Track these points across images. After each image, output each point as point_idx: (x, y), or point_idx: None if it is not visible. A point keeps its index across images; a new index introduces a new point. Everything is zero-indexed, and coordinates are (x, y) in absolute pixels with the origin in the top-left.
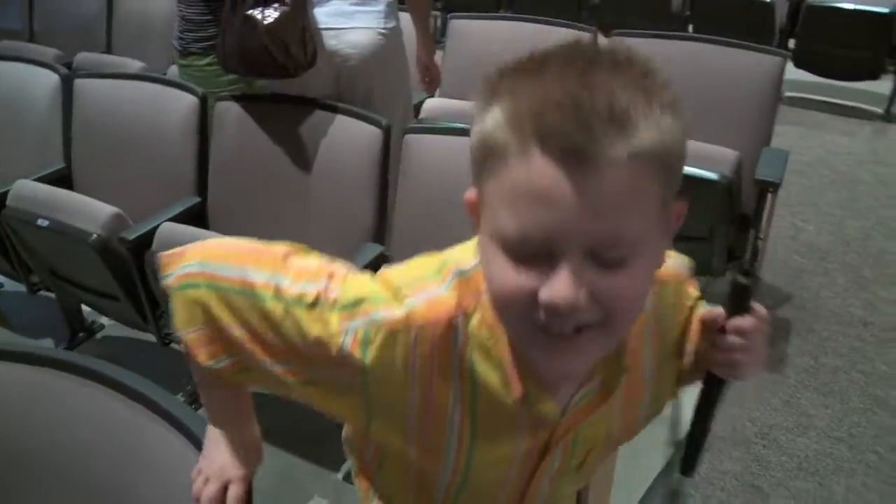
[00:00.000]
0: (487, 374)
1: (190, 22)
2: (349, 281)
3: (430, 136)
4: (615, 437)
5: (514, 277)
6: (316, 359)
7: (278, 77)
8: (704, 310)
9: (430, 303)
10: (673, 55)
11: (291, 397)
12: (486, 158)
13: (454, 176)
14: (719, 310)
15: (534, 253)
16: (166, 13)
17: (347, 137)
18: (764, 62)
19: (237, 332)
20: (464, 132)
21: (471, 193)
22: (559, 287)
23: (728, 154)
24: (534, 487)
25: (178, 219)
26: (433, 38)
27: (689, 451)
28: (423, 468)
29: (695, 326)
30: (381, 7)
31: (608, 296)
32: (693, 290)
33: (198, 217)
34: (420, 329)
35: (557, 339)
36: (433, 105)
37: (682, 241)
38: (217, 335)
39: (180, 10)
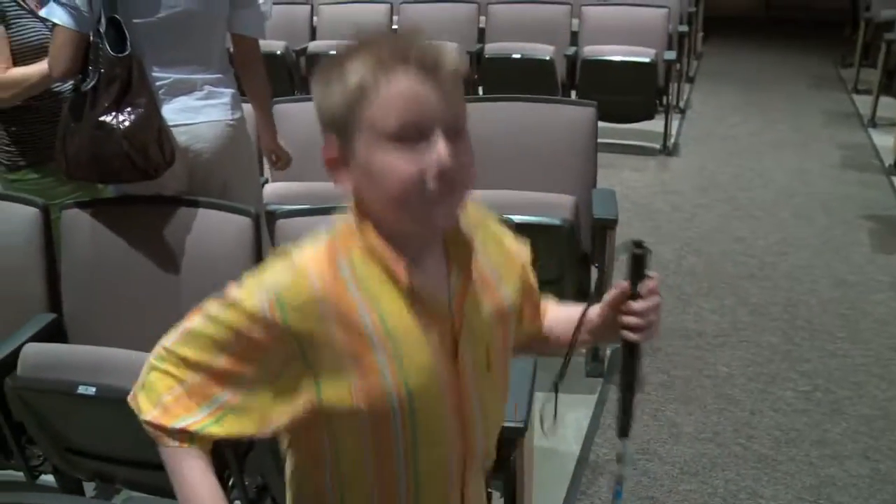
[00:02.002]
0: (379, 282)
1: (18, 135)
2: (244, 281)
3: (300, 218)
4: (496, 325)
5: (404, 164)
6: (256, 351)
7: (138, 180)
8: (613, 290)
9: (312, 252)
10: (497, 115)
11: (261, 429)
12: (356, 102)
13: None
14: (623, 283)
15: (413, 138)
16: None
17: (215, 231)
18: (578, 113)
19: (195, 377)
20: (327, 210)
21: (329, 150)
22: (442, 152)
23: (565, 199)
24: (464, 394)
25: (35, 338)
26: (274, 123)
27: (624, 416)
28: (375, 417)
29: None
30: (226, 99)
31: (462, 156)
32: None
33: (55, 334)
34: (313, 274)
35: (439, 200)
36: (274, 189)
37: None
38: (181, 393)
39: (5, 126)
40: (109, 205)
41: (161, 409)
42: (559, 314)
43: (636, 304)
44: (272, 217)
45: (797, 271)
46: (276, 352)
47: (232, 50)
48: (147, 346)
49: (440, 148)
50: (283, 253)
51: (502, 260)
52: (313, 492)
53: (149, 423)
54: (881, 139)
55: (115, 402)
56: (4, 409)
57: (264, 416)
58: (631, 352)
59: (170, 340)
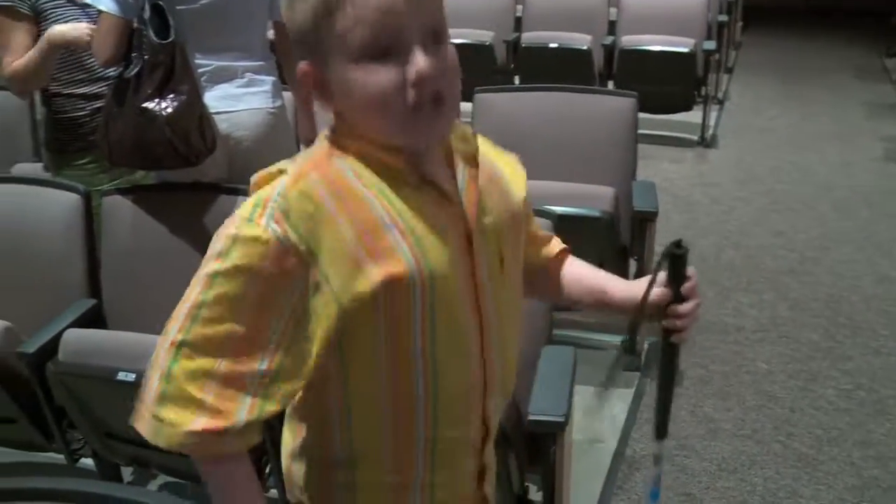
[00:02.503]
0: (384, 178)
1: (64, 122)
2: (237, 217)
3: None
4: (508, 225)
5: (382, 75)
6: (276, 288)
7: (180, 167)
8: (655, 293)
9: (307, 158)
10: (535, 105)
11: (306, 377)
12: (323, 18)
13: None
14: (663, 290)
15: (389, 47)
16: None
17: None
18: (617, 103)
19: (224, 359)
20: None
21: (303, 71)
22: (419, 61)
23: (605, 191)
24: (482, 293)
25: (76, 324)
26: (313, 112)
27: (660, 418)
28: (395, 309)
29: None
30: (267, 87)
31: (444, 61)
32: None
33: (94, 320)
34: (313, 174)
35: (425, 111)
36: None
37: None
38: (218, 386)
39: (51, 113)
40: (150, 192)
41: (209, 413)
42: (581, 274)
43: (682, 308)
44: None
45: (839, 266)
46: (296, 277)
47: (273, 38)
48: None
49: (418, 56)
50: (270, 168)
51: (508, 169)
52: (320, 424)
53: (199, 432)
54: None
55: None
56: (46, 393)
57: (305, 360)
58: (671, 353)
59: (175, 330)
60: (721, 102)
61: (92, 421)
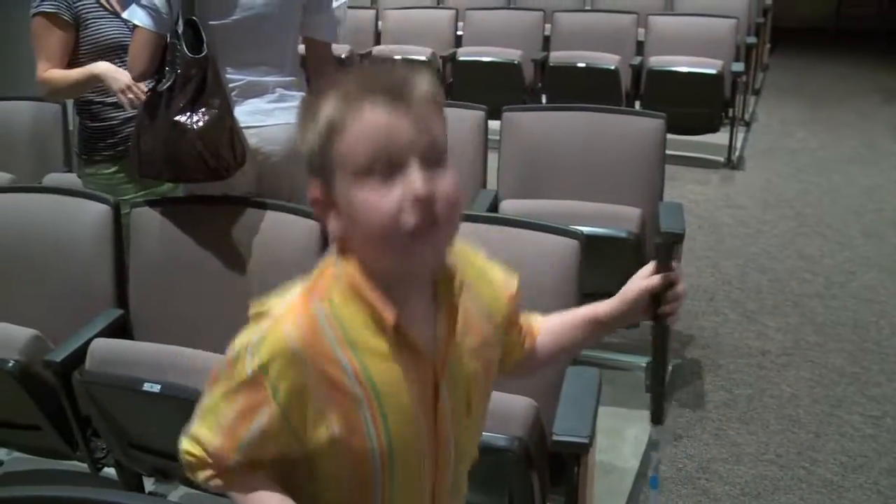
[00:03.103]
0: (360, 325)
1: (94, 130)
2: (238, 337)
3: None
4: (480, 373)
5: (379, 198)
6: (252, 415)
7: (210, 180)
8: (646, 279)
9: (288, 304)
10: (563, 124)
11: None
12: (327, 140)
13: None
14: (657, 277)
15: (387, 171)
16: (32, 122)
17: (282, 233)
18: (646, 124)
19: (214, 438)
20: None
21: (313, 191)
22: (416, 180)
23: (632, 212)
24: (441, 436)
25: (102, 334)
26: None
27: (655, 403)
28: (356, 466)
29: (525, 325)
30: (296, 102)
31: (443, 188)
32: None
33: (121, 330)
34: (289, 324)
35: (421, 235)
36: None
37: (598, 298)
38: (210, 453)
39: (83, 120)
40: (179, 204)
41: (209, 467)
42: (557, 323)
43: (679, 289)
44: None
45: (866, 292)
46: (264, 411)
47: (304, 53)
48: (211, 346)
49: (414, 177)
50: (259, 307)
51: (491, 298)
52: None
53: (203, 478)
54: None
55: (178, 401)
56: (72, 402)
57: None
58: (663, 336)
59: (199, 408)
60: (748, 124)
61: (116, 430)
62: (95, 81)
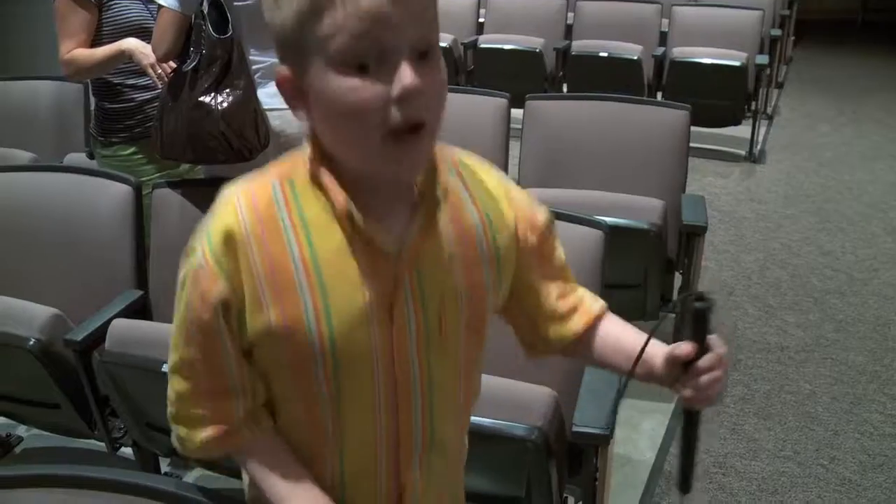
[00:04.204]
0: (318, 212)
1: (112, 111)
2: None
3: None
4: (462, 292)
5: (364, 88)
6: (201, 313)
7: (233, 162)
8: (671, 350)
9: (245, 184)
10: (586, 114)
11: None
12: (308, 19)
13: None
14: (685, 346)
15: (375, 59)
16: (53, 102)
17: None
18: (670, 115)
19: (203, 381)
20: None
21: (282, 72)
22: (407, 76)
23: (654, 203)
24: (399, 353)
25: (122, 314)
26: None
27: (683, 474)
28: (297, 361)
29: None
30: None
31: (431, 81)
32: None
33: (140, 311)
34: (240, 204)
35: (404, 138)
36: None
37: (618, 289)
38: (205, 402)
39: (100, 101)
40: (200, 185)
41: (210, 422)
42: (611, 335)
43: (702, 379)
44: None
45: (888, 289)
46: (223, 302)
47: None
48: None
49: (405, 71)
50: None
51: (495, 214)
52: None
53: (209, 439)
54: None
55: None
56: (91, 381)
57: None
58: (691, 417)
59: (169, 356)
60: (770, 118)
61: (134, 411)
62: (122, 58)
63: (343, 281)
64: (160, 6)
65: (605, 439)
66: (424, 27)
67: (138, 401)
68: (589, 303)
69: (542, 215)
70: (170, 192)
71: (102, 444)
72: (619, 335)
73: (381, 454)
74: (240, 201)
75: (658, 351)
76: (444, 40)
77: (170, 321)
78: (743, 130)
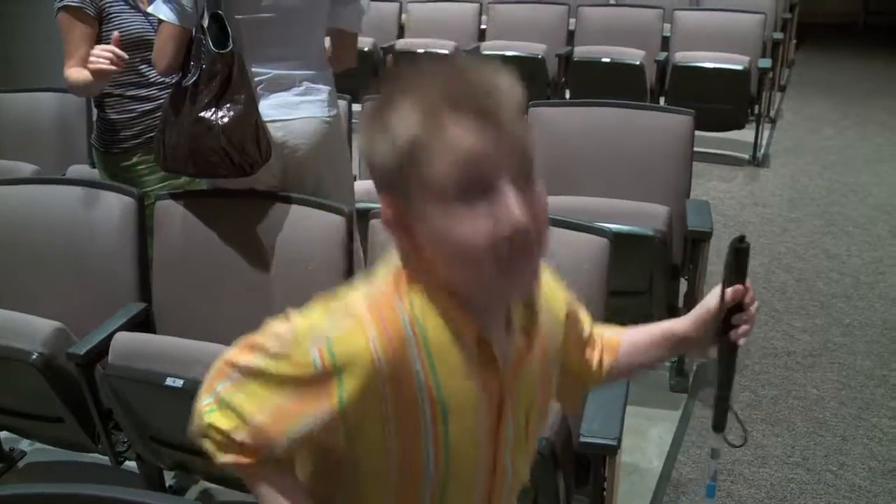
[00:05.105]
0: (441, 337)
1: (113, 122)
2: (292, 325)
3: None
4: (539, 396)
5: (471, 224)
6: (296, 406)
7: (235, 176)
8: (724, 294)
9: (369, 297)
10: (589, 120)
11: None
12: (407, 160)
13: None
14: (738, 288)
15: (478, 195)
16: (56, 114)
17: (307, 228)
18: (673, 120)
19: (239, 434)
20: None
21: (385, 207)
22: (512, 207)
23: (659, 210)
24: (499, 463)
25: (125, 327)
26: None
27: (718, 412)
28: (405, 478)
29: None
30: (324, 96)
31: (536, 208)
32: (561, 290)
33: (144, 324)
34: (375, 329)
35: (517, 262)
36: (364, 188)
37: (623, 296)
38: (241, 442)
39: (101, 112)
40: (203, 197)
41: (234, 453)
42: (631, 345)
43: (751, 309)
44: (364, 215)
45: (895, 292)
46: (321, 409)
47: (330, 43)
48: (233, 341)
49: (511, 205)
50: (336, 296)
51: (557, 313)
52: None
53: (227, 464)
54: None
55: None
56: (94, 395)
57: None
58: (733, 352)
59: (223, 387)
60: (774, 121)
61: (137, 424)
62: (97, 82)
63: (463, 406)
64: (160, 21)
65: (612, 450)
66: (522, 151)
67: (142, 414)
68: (608, 338)
69: (570, 297)
70: (172, 203)
71: (106, 458)
72: (635, 342)
73: None
74: (372, 332)
75: (676, 324)
76: (446, 47)
77: (173, 333)
78: (746, 134)
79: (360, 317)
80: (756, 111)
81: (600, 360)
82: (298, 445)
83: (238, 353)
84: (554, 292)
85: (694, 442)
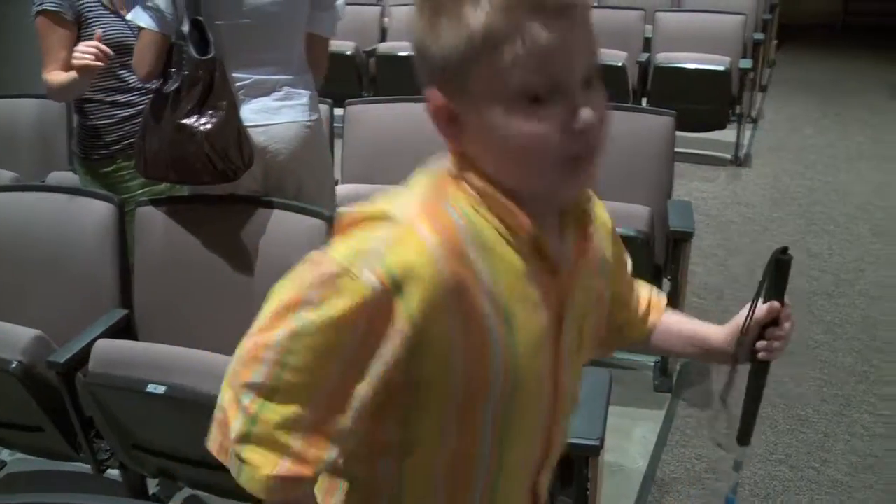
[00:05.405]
0: (495, 237)
1: (93, 128)
2: (331, 261)
3: None
4: (593, 304)
5: (539, 122)
6: (370, 344)
7: (218, 182)
8: (766, 308)
9: (415, 203)
10: None
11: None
12: (480, 54)
13: None
14: (773, 304)
15: (553, 91)
16: (36, 120)
17: (289, 232)
18: (655, 121)
19: (313, 412)
20: None
21: (437, 100)
22: (586, 111)
23: (641, 210)
24: (560, 378)
25: (106, 334)
26: None
27: (744, 427)
28: (470, 397)
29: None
30: (304, 100)
31: (601, 111)
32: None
33: (125, 331)
34: (426, 226)
35: (581, 164)
36: (346, 191)
37: None
38: (303, 441)
39: (81, 118)
40: (184, 203)
41: (293, 459)
42: (673, 326)
43: (786, 326)
44: None
45: (875, 289)
46: (388, 338)
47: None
48: (216, 347)
49: (580, 104)
50: (372, 209)
51: (601, 227)
52: (366, 491)
53: (282, 477)
54: None
55: (183, 402)
56: (75, 403)
57: (378, 425)
58: (762, 371)
59: (261, 375)
60: (755, 121)
61: (119, 432)
62: (84, 79)
63: (524, 306)
64: (140, 28)
65: (595, 450)
66: (592, 52)
67: (124, 422)
68: (656, 298)
69: (611, 219)
70: (153, 210)
71: (88, 466)
72: (671, 325)
73: (532, 470)
74: (425, 233)
75: (712, 331)
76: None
77: (155, 340)
78: (728, 134)
79: (409, 222)
80: (738, 111)
81: (646, 316)
82: (367, 412)
83: (268, 327)
84: (599, 206)
85: (678, 441)
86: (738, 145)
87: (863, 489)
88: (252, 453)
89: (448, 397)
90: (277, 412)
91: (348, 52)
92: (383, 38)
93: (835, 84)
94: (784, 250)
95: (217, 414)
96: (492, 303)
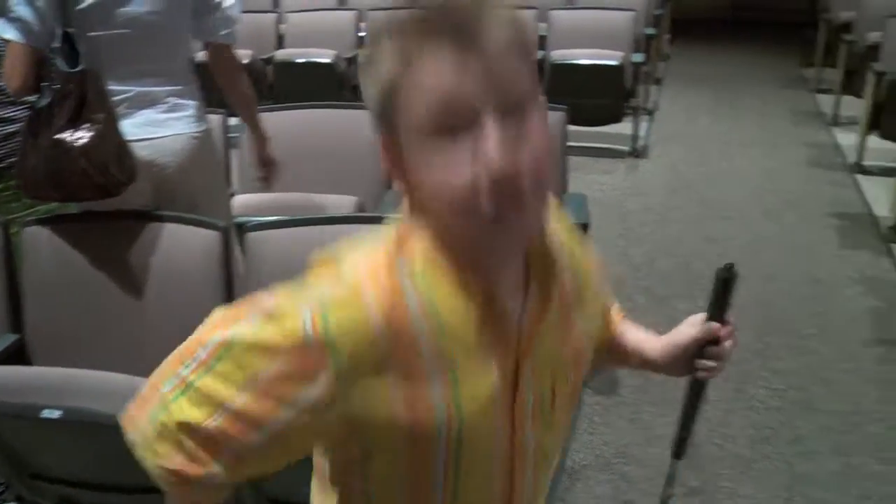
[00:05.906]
0: (445, 294)
1: None
2: (279, 297)
3: (272, 230)
4: (568, 360)
5: (450, 165)
6: (294, 383)
7: (99, 198)
8: (699, 327)
9: (366, 261)
10: None
11: (284, 464)
12: (387, 93)
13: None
14: (712, 325)
15: (456, 129)
16: None
17: (182, 246)
18: (549, 117)
19: (213, 423)
20: (306, 222)
21: (381, 147)
22: (491, 150)
23: None
24: (518, 433)
25: None
26: (263, 131)
27: (680, 440)
28: (416, 446)
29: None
30: (191, 111)
31: (526, 152)
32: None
33: (17, 355)
34: (371, 295)
35: (505, 208)
36: (243, 201)
37: None
38: (196, 443)
39: None
40: (72, 221)
41: (186, 457)
42: (630, 340)
43: (726, 346)
44: (242, 230)
45: (768, 269)
46: (318, 382)
47: (208, 59)
48: (112, 366)
49: (489, 144)
50: (327, 260)
51: (584, 270)
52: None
53: (173, 471)
54: (844, 137)
55: (81, 425)
56: None
57: (293, 456)
58: (700, 389)
59: (188, 369)
60: (650, 113)
61: (15, 462)
62: None
63: (472, 361)
64: (7, 40)
65: None
66: (509, 82)
67: (20, 451)
68: (616, 312)
69: (596, 260)
70: (40, 229)
71: None
72: (622, 336)
73: None
74: (370, 304)
75: (655, 343)
76: (327, 56)
77: (50, 363)
78: (625, 127)
79: (357, 285)
80: (633, 104)
81: (609, 330)
82: (274, 447)
83: (210, 329)
84: (573, 245)
85: (585, 429)
86: (635, 137)
87: (761, 460)
88: (157, 442)
89: (390, 450)
90: (184, 411)
91: (245, 61)
92: (280, 45)
93: (725, 75)
94: (729, 267)
95: (142, 390)
96: (437, 359)
